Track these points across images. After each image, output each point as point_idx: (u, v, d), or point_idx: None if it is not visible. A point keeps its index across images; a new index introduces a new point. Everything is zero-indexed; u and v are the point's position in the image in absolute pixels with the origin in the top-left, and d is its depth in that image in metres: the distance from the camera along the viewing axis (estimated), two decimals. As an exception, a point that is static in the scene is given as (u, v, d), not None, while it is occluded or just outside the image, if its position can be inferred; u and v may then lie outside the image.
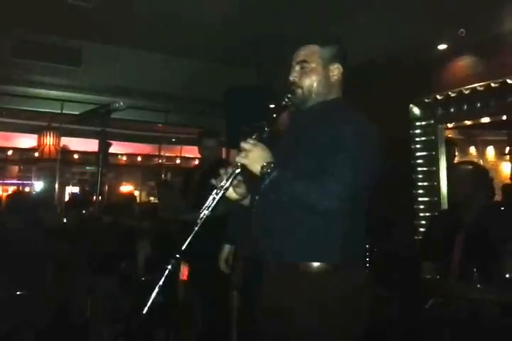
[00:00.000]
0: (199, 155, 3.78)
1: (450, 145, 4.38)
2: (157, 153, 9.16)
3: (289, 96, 1.69)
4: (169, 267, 1.44)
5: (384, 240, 3.98)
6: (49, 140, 7.83)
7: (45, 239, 3.61)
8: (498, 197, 4.35)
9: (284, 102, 1.68)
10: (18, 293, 3.24)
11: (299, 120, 1.79)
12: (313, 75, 1.69)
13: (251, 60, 5.56)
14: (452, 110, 4.17)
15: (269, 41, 4.61)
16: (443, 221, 2.93)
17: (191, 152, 8.95)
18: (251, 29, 4.70)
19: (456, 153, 4.54)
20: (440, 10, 3.94)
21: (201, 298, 3.46)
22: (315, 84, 1.69)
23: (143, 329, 3.61)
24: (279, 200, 1.54)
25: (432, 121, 4.35)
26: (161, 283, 1.42)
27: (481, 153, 5.92)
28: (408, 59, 4.44)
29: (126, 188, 9.71)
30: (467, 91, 3.96)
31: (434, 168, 4.28)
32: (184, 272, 3.48)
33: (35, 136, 8.01)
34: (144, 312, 1.39)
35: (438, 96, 4.19)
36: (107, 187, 7.90)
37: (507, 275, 2.31)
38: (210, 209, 1.52)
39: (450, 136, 4.72)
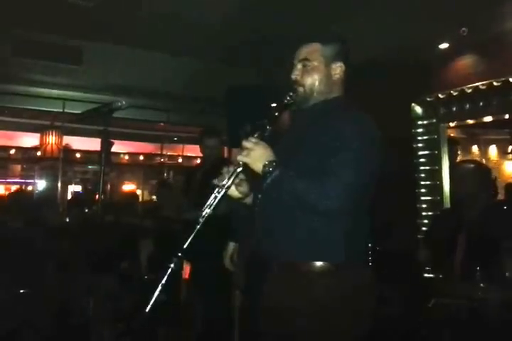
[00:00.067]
0: (201, 154, 3.78)
1: (452, 144, 4.37)
2: (159, 152, 9.16)
3: (291, 94, 1.68)
4: (172, 265, 1.44)
5: (386, 239, 3.98)
6: (51, 139, 7.84)
7: (47, 237, 3.61)
8: (501, 197, 4.35)
9: (285, 101, 1.68)
10: (19, 292, 3.24)
11: (300, 118, 1.78)
12: (315, 74, 1.68)
13: (251, 60, 5.56)
14: (454, 109, 4.17)
15: (269, 41, 4.61)
16: (445, 220, 2.92)
17: (193, 151, 8.95)
18: (251, 29, 4.70)
19: (459, 152, 4.53)
20: (442, 9, 3.94)
21: (202, 297, 3.46)
22: (317, 83, 1.68)
23: (146, 328, 3.61)
24: (281, 199, 1.54)
25: (434, 120, 4.34)
26: (163, 281, 1.42)
27: (484, 152, 5.92)
28: (410, 58, 4.44)
29: (128, 187, 9.71)
30: (469, 90, 3.96)
31: (437, 167, 4.28)
32: (186, 271, 3.49)
33: (37, 135, 8.01)
34: (147, 310, 1.39)
35: (440, 95, 4.19)
36: (109, 186, 7.90)
37: (507, 274, 2.30)
38: (211, 207, 1.52)
39: (452, 135, 4.72)
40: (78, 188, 9.03)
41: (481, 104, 3.94)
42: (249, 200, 1.75)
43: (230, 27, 4.77)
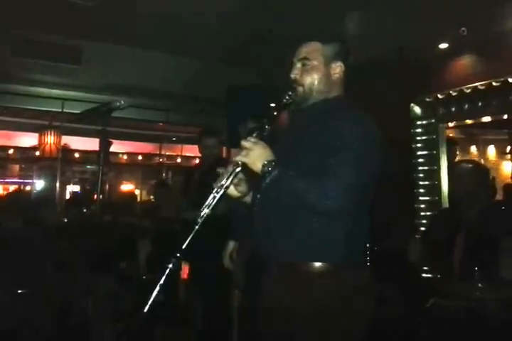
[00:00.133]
0: (200, 154, 3.78)
1: (451, 144, 4.38)
2: (158, 152, 9.16)
3: (290, 93, 1.68)
4: (170, 266, 1.44)
5: (384, 239, 3.98)
6: (50, 139, 7.84)
7: (46, 237, 3.61)
8: (499, 197, 4.36)
9: (284, 100, 1.67)
10: (18, 292, 3.24)
11: (299, 118, 1.78)
12: (315, 73, 1.68)
13: (251, 60, 5.56)
14: (453, 109, 4.17)
15: (269, 41, 4.60)
16: (444, 220, 2.93)
17: (192, 151, 8.95)
18: (251, 29, 4.70)
19: (457, 152, 4.54)
20: (441, 9, 3.94)
21: (202, 297, 3.46)
22: (316, 82, 1.68)
23: (144, 328, 3.60)
24: (280, 199, 1.54)
25: (433, 120, 4.34)
26: (162, 281, 1.41)
27: (482, 152, 5.93)
28: (409, 58, 4.44)
29: (126, 187, 9.70)
30: (468, 91, 3.96)
31: (435, 167, 4.27)
32: (185, 271, 3.48)
33: (36, 135, 8.01)
34: (145, 310, 1.39)
35: (439, 96, 4.19)
36: (107, 186, 7.89)
37: (502, 274, 2.30)
38: (210, 207, 1.52)
39: (451, 135, 4.73)
40: (76, 188, 9.02)
41: (480, 104, 3.94)
42: (248, 199, 1.75)
43: (230, 27, 4.76)
